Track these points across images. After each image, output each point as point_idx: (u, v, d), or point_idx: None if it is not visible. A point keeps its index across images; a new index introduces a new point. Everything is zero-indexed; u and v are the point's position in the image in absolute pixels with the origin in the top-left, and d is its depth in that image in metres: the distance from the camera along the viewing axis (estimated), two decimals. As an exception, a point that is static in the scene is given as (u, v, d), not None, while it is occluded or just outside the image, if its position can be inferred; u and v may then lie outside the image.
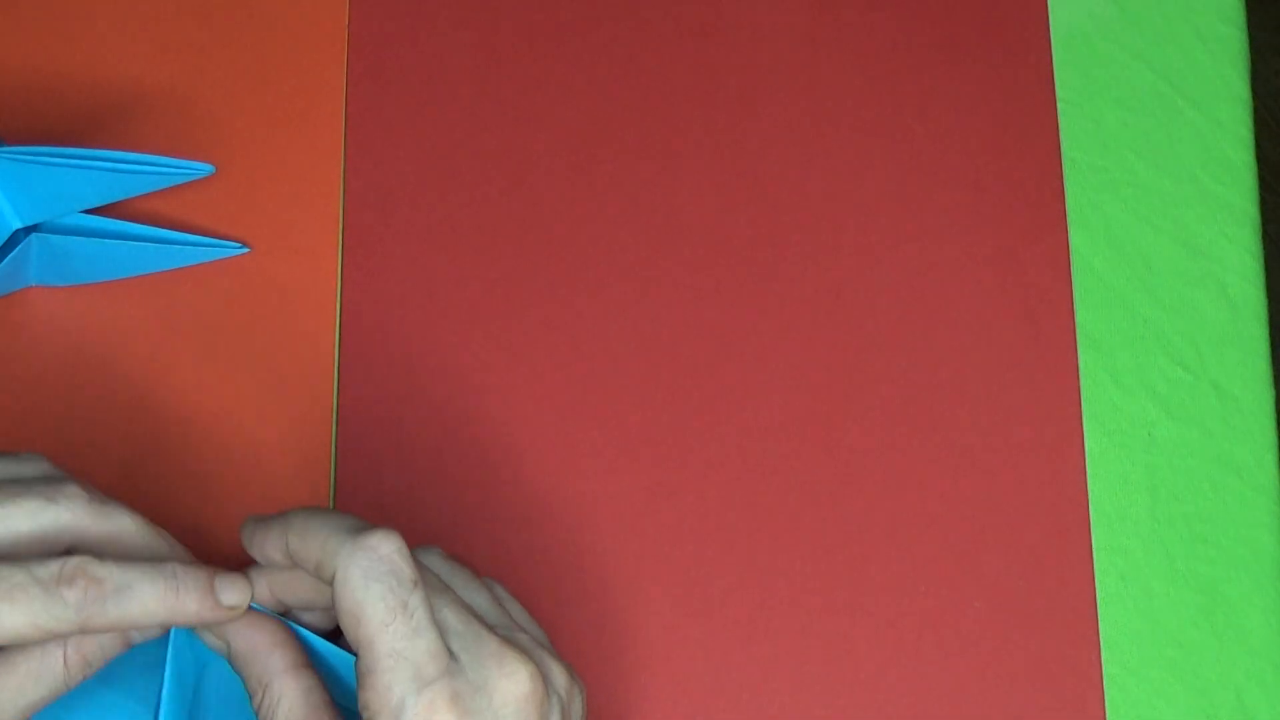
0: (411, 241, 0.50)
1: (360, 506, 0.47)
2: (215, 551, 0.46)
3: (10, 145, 0.44)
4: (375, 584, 0.34)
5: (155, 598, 0.36)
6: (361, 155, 0.51)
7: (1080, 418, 0.50)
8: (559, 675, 0.37)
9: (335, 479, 0.48)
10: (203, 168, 0.45)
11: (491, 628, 0.36)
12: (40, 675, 0.36)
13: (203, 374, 0.48)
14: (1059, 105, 0.53)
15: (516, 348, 0.49)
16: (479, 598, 0.38)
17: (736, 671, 0.46)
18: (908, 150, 0.52)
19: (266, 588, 0.39)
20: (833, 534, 0.48)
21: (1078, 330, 0.51)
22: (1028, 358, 0.50)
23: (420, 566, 0.36)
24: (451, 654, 0.35)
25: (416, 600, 0.34)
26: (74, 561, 0.35)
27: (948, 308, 0.51)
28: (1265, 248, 0.53)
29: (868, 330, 0.50)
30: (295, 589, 0.38)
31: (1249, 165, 0.53)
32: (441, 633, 0.35)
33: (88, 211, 0.47)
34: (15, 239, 0.46)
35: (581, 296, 0.50)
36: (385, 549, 0.35)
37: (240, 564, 0.38)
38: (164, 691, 0.37)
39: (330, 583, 0.35)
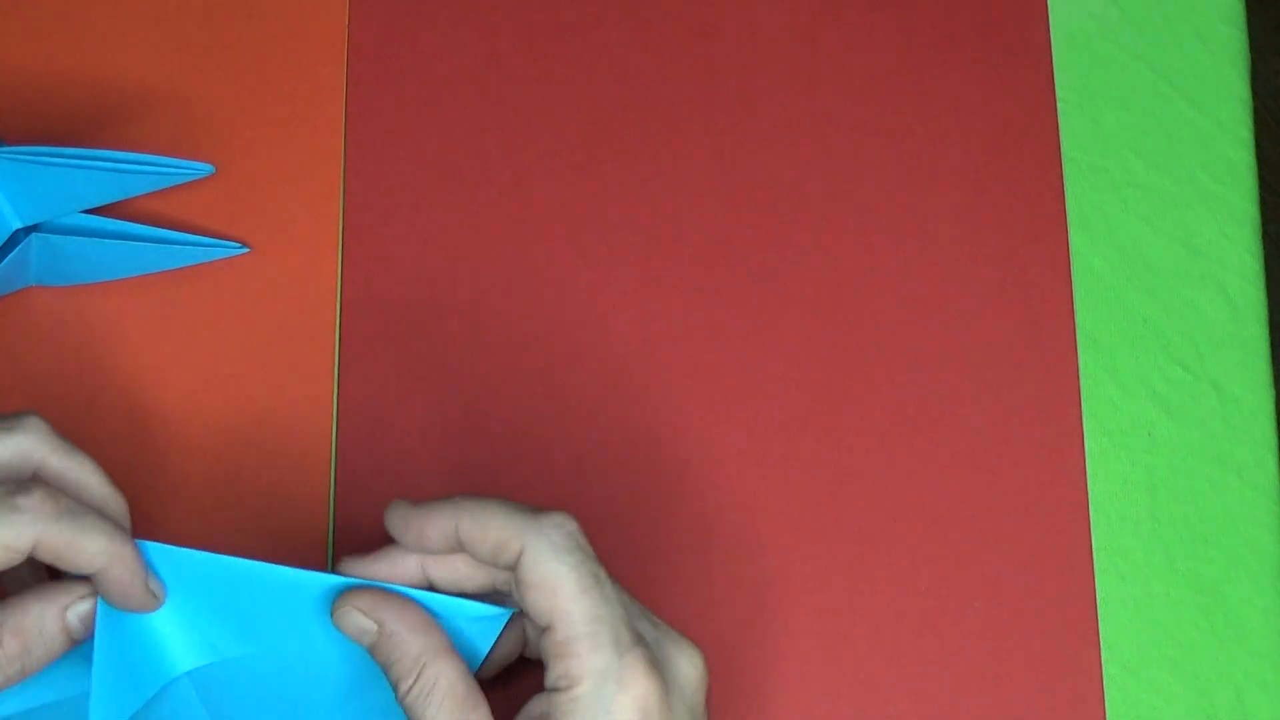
0: (411, 241, 0.50)
1: (360, 507, 0.47)
2: (215, 551, 0.46)
3: (10, 145, 0.44)
4: (568, 555, 0.35)
5: (105, 536, 0.35)
6: (361, 155, 0.51)
7: (1080, 418, 0.50)
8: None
9: (335, 479, 0.48)
10: (203, 168, 0.45)
11: (642, 610, 0.38)
12: None
13: (203, 374, 0.48)
14: (1059, 105, 0.53)
15: (516, 347, 0.49)
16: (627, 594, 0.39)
17: (735, 671, 0.46)
18: (908, 150, 0.52)
19: (418, 565, 0.39)
20: (832, 533, 0.48)
21: (1078, 330, 0.51)
22: (1028, 358, 0.50)
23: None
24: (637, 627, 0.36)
25: (604, 573, 0.36)
26: (33, 481, 0.35)
27: (948, 308, 0.51)
28: (1265, 248, 0.53)
29: (867, 330, 0.50)
30: (447, 572, 0.39)
31: (1249, 165, 0.53)
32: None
33: (88, 211, 0.47)
34: (15, 239, 0.46)
35: (581, 296, 0.50)
36: (570, 526, 0.36)
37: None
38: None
39: (513, 564, 0.36)
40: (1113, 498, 0.49)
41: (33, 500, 0.34)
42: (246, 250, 0.49)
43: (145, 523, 0.43)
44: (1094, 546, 0.49)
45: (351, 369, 0.49)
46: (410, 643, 0.36)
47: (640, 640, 0.35)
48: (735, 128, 0.52)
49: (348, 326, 0.49)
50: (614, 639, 0.35)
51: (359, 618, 0.37)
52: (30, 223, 0.45)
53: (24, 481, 0.35)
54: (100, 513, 0.36)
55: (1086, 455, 0.49)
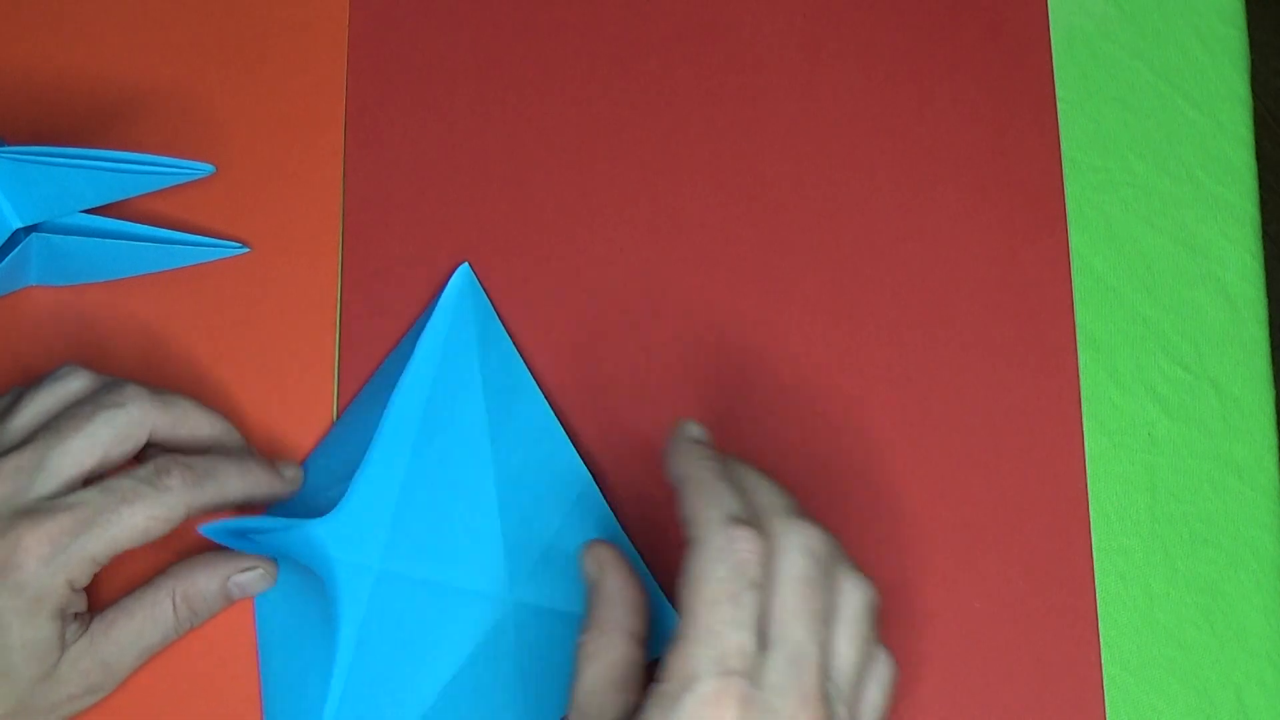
0: (411, 243, 0.50)
1: (360, 506, 0.47)
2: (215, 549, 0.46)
3: (10, 145, 0.44)
4: (721, 565, 0.35)
5: (236, 475, 0.42)
6: (361, 155, 0.51)
7: (1080, 418, 0.50)
8: None
9: (335, 479, 0.48)
10: (203, 168, 0.45)
11: (819, 664, 0.36)
12: (155, 620, 0.42)
13: (202, 374, 0.48)
14: (1059, 105, 0.53)
15: (515, 347, 0.49)
16: (847, 649, 0.37)
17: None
18: (908, 150, 0.52)
19: None
20: (833, 533, 0.48)
21: (1078, 330, 0.51)
22: (1028, 358, 0.50)
23: (785, 585, 0.36)
24: (763, 665, 0.35)
25: (748, 599, 0.35)
26: (164, 458, 0.41)
27: (948, 308, 0.51)
28: (1265, 248, 0.53)
29: (867, 330, 0.50)
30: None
31: (1249, 165, 0.53)
32: (764, 641, 0.35)
33: (88, 211, 0.47)
34: (15, 239, 0.46)
35: (580, 299, 0.50)
36: (745, 546, 0.36)
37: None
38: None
39: (688, 541, 0.37)
40: (1113, 498, 0.49)
41: (174, 479, 0.40)
42: (246, 250, 0.49)
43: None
44: (1094, 546, 0.49)
45: (351, 369, 0.49)
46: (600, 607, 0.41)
47: (747, 673, 0.34)
48: (735, 127, 0.52)
49: (348, 326, 0.49)
50: (718, 657, 0.34)
51: (589, 563, 0.42)
52: (30, 223, 0.45)
53: (160, 464, 0.41)
54: (219, 444, 0.43)
55: (1086, 455, 0.49)
